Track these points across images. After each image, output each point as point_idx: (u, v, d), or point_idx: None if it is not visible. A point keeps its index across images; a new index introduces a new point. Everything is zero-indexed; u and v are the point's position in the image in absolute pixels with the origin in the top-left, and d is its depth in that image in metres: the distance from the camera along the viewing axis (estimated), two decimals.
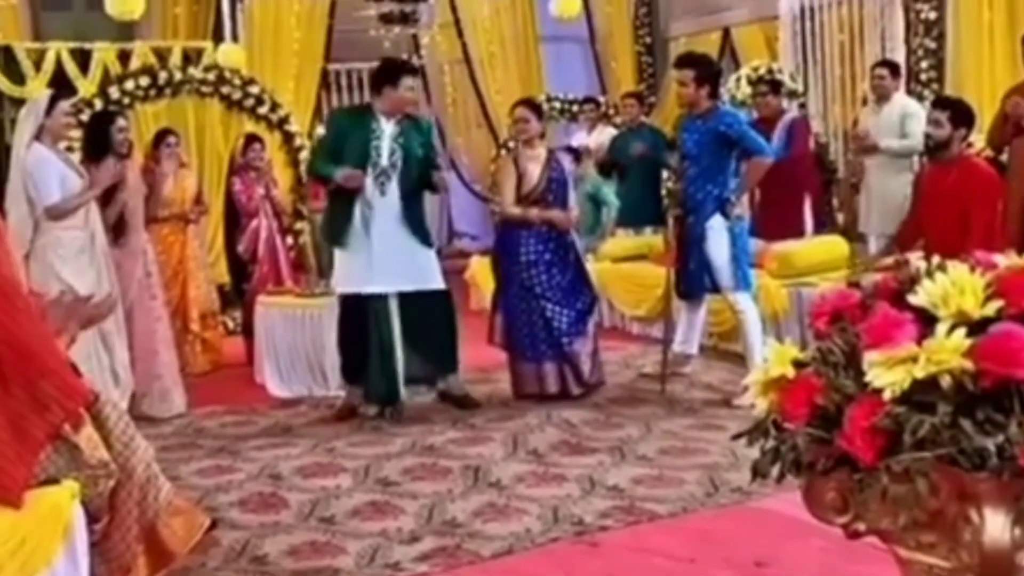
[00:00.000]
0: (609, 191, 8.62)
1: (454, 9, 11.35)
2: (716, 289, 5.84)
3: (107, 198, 5.79)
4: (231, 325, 8.07)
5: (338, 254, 5.65)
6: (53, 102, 5.40)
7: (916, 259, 1.81)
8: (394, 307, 5.61)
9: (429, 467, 4.78)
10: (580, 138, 9.83)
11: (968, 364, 1.56)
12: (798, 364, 1.79)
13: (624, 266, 8.07)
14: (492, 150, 11.16)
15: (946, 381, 1.57)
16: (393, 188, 5.50)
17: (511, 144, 6.37)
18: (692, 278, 5.86)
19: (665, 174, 9.23)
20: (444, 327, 5.75)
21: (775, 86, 7.83)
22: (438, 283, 5.67)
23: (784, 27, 9.55)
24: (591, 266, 8.16)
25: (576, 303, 5.87)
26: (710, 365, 6.45)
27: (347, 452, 5.10)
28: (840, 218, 8.95)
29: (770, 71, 8.66)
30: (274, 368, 6.47)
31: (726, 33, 10.73)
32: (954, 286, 1.63)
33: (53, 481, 3.09)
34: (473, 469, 4.69)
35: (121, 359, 5.69)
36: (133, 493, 3.37)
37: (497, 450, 4.98)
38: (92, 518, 3.19)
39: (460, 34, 11.41)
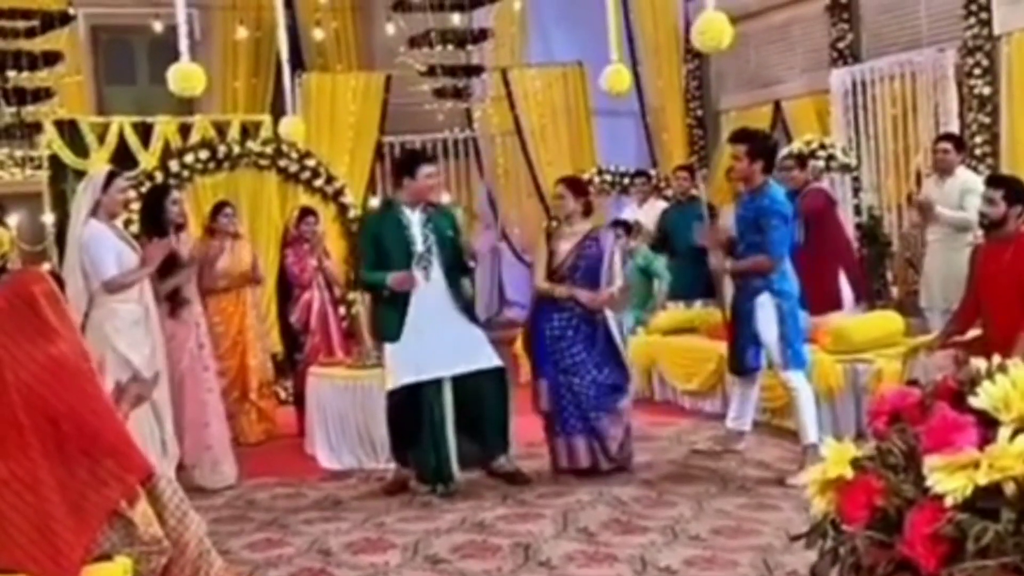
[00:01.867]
0: (660, 264, 8.61)
1: (507, 83, 11.51)
2: (768, 365, 5.80)
3: (164, 271, 5.89)
4: (283, 395, 8.12)
5: (389, 347, 5.64)
6: (110, 179, 5.49)
7: (975, 359, 1.78)
8: (447, 390, 5.62)
9: (479, 544, 4.75)
10: (631, 211, 9.85)
11: None
12: (856, 462, 1.77)
13: (675, 339, 8.03)
14: (543, 221, 11.21)
15: (1010, 488, 1.55)
16: (436, 271, 5.59)
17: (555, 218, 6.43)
18: (741, 354, 5.84)
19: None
20: (497, 406, 5.76)
21: (800, 159, 7.81)
22: (492, 360, 5.69)
23: (836, 101, 9.55)
24: (642, 339, 8.20)
25: (603, 379, 5.82)
26: (763, 442, 6.36)
27: (397, 527, 5.08)
28: (895, 292, 8.86)
29: (822, 145, 8.65)
30: (325, 439, 6.50)
31: (777, 106, 10.76)
32: (1016, 389, 1.61)
33: (107, 557, 3.12)
34: (523, 547, 4.65)
35: (169, 430, 5.74)
36: (185, 569, 3.39)
37: (547, 527, 4.93)
38: None
39: (512, 107, 11.55)
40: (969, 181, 6.93)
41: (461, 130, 12.77)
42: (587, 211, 6.10)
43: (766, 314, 5.60)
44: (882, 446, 1.74)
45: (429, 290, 5.56)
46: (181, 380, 5.93)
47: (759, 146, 5.68)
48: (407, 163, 5.71)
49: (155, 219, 6.03)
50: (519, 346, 9.11)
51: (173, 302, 5.99)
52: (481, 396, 5.67)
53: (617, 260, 6.19)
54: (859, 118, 9.44)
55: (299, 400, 7.19)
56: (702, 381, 7.46)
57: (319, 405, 6.58)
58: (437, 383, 5.59)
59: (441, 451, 5.62)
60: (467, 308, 5.69)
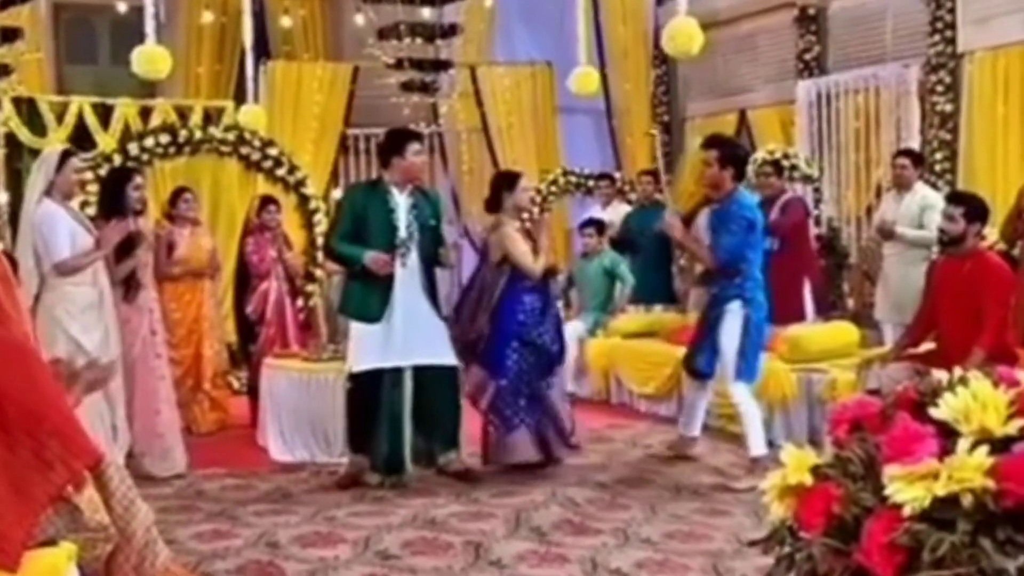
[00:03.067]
0: (625, 267, 8.62)
1: (474, 80, 11.47)
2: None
3: (121, 254, 5.80)
4: (236, 385, 8.04)
5: (357, 329, 5.60)
6: (64, 158, 5.40)
7: (936, 372, 1.79)
8: (408, 380, 5.61)
9: (430, 541, 4.72)
10: (595, 213, 9.86)
11: (990, 483, 1.54)
12: (816, 470, 1.77)
13: (634, 343, 8.05)
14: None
15: (967, 499, 1.55)
16: (413, 260, 5.55)
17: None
18: (696, 356, 5.84)
19: (678, 251, 9.28)
20: (450, 403, 5.74)
21: (778, 167, 7.91)
22: (451, 359, 5.67)
23: (800, 112, 9.63)
24: (601, 341, 8.22)
25: (556, 349, 5.94)
26: (717, 448, 6.39)
27: (348, 522, 5.04)
28: (851, 303, 8.94)
29: (786, 155, 8.71)
30: (277, 431, 6.43)
31: (742, 115, 10.82)
32: (976, 401, 1.62)
33: (51, 542, 3.06)
34: (475, 545, 4.63)
35: (120, 415, 5.66)
36: (131, 558, 3.34)
37: (499, 527, 4.92)
38: None
39: (479, 104, 11.52)
40: (929, 197, 7.01)
41: (427, 125, 12.69)
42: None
43: (732, 323, 5.57)
44: (842, 454, 1.74)
45: (404, 277, 5.52)
46: (132, 366, 5.85)
47: (730, 153, 5.68)
48: (395, 141, 5.59)
49: (114, 203, 5.94)
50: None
51: (128, 286, 5.91)
52: (436, 392, 5.66)
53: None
54: (822, 130, 9.53)
55: (253, 391, 7.14)
56: (659, 385, 7.48)
57: (273, 397, 6.52)
58: (398, 372, 5.57)
59: (396, 441, 5.61)
60: (436, 301, 5.65)
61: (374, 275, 5.47)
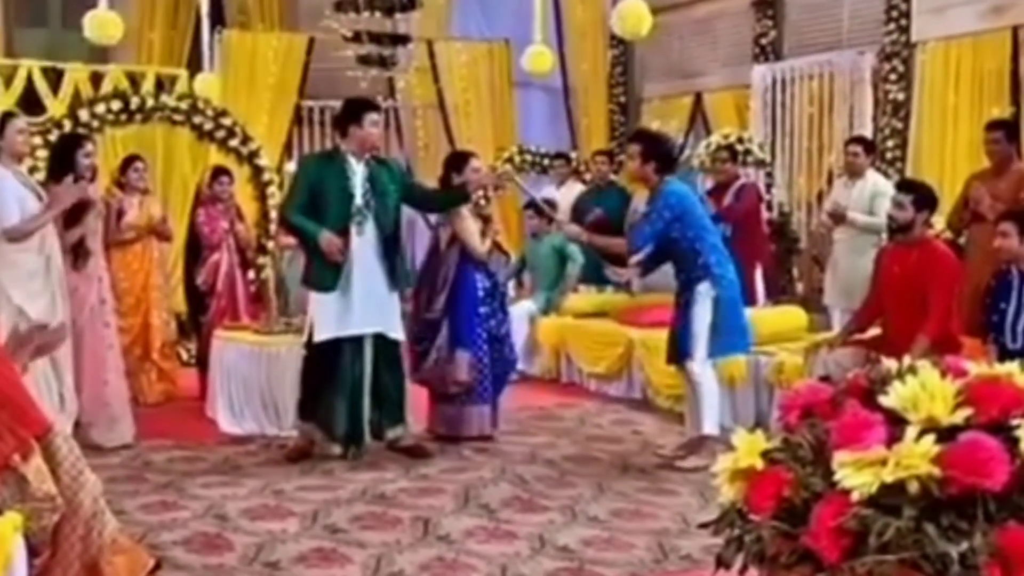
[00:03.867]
0: (576, 247, 8.63)
1: (432, 55, 11.41)
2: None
3: (71, 220, 5.71)
4: (185, 356, 7.97)
5: (317, 298, 5.58)
6: (4, 121, 5.30)
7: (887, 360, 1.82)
8: (368, 348, 5.61)
9: (379, 516, 4.72)
10: (549, 192, 9.87)
11: (936, 471, 1.58)
12: (767, 454, 1.80)
13: (585, 322, 8.08)
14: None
15: (913, 486, 1.58)
16: (370, 228, 5.52)
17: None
18: (680, 346, 5.74)
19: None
20: (397, 377, 5.76)
21: (733, 153, 7.98)
22: (399, 332, 5.71)
23: (755, 96, 9.70)
24: (552, 321, 8.24)
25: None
26: (665, 428, 6.45)
27: (296, 496, 5.02)
28: (800, 288, 9.05)
29: (740, 139, 8.78)
30: (227, 403, 6.39)
31: (698, 98, 10.88)
32: (925, 391, 1.65)
33: None
34: (423, 521, 4.64)
35: (68, 384, 5.59)
36: (78, 528, 3.31)
37: (448, 502, 4.93)
38: (33, 552, 3.13)
39: (435, 79, 11.46)
40: (879, 184, 7.10)
41: (384, 99, 12.60)
42: None
43: (702, 304, 5.52)
44: (792, 439, 1.77)
45: (361, 246, 5.50)
46: (80, 335, 5.77)
47: (652, 147, 5.67)
48: (353, 110, 5.57)
49: (64, 170, 5.80)
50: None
51: (76, 254, 5.81)
52: (386, 364, 5.67)
53: None
54: (776, 115, 9.61)
55: (202, 362, 7.08)
56: (609, 365, 7.53)
57: (223, 368, 6.47)
58: (358, 341, 5.57)
59: (357, 411, 5.61)
60: (393, 273, 5.63)
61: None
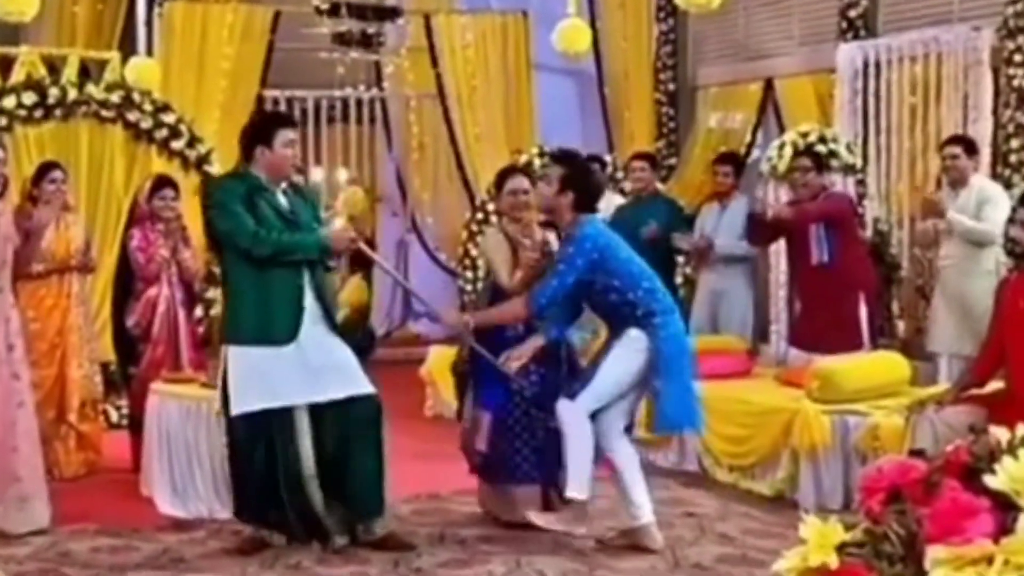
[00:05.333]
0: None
1: (429, 31, 11.50)
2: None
3: None
4: (114, 416, 8.00)
5: (238, 357, 5.48)
6: None
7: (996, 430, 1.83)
8: (304, 420, 5.51)
9: None
10: None
11: None
12: (843, 548, 1.80)
13: None
14: (466, 211, 11.24)
15: None
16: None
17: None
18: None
19: (681, 258, 9.35)
20: (368, 451, 5.58)
21: (818, 161, 7.94)
22: (365, 386, 5.58)
23: (842, 83, 9.70)
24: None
25: None
26: (728, 509, 6.44)
27: None
28: (901, 328, 9.02)
29: (823, 138, 8.78)
30: (167, 478, 6.40)
31: (769, 85, 10.90)
32: None
33: None
34: None
35: None
36: None
37: None
38: None
39: (434, 62, 11.55)
40: (987, 189, 7.12)
41: (367, 88, 12.73)
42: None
43: (626, 351, 5.60)
44: (876, 530, 1.77)
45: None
46: None
47: (577, 174, 5.73)
48: (263, 127, 5.63)
49: None
50: (430, 370, 9.16)
51: None
52: (347, 436, 5.53)
53: None
54: (869, 107, 9.60)
55: (135, 425, 7.09)
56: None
57: (161, 433, 6.48)
58: (289, 413, 5.48)
59: (303, 500, 5.52)
60: (331, 316, 5.63)
61: (281, 283, 5.43)
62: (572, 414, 5.57)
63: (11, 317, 6.08)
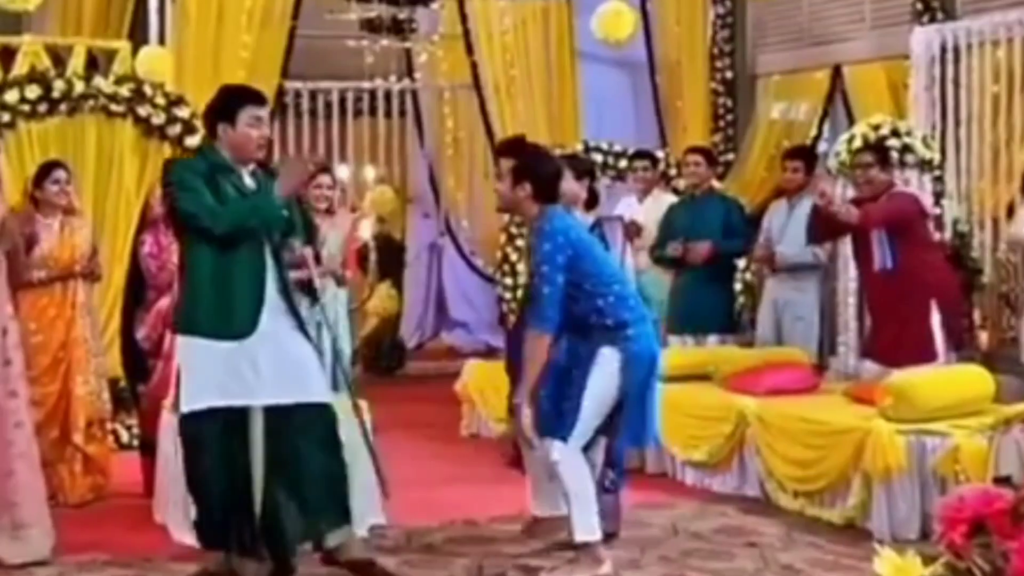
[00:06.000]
0: (652, 280, 8.59)
1: (464, 18, 11.50)
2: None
3: None
4: (124, 437, 8.04)
5: (193, 348, 5.44)
6: None
7: None
8: (258, 426, 5.44)
9: None
10: (628, 206, 9.87)
11: None
12: None
13: (678, 389, 7.98)
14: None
15: None
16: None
17: None
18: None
19: (742, 262, 9.31)
20: (326, 455, 5.53)
21: (882, 155, 7.87)
22: (321, 393, 5.54)
23: (917, 70, 9.64)
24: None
25: None
26: (792, 538, 6.39)
27: None
28: (984, 338, 8.95)
29: (896, 131, 8.72)
30: (182, 503, 6.40)
31: (836, 73, 10.85)
32: None
33: None
34: None
35: None
36: None
37: None
38: None
39: (470, 51, 11.55)
40: None
41: (398, 79, 12.77)
42: (591, 200, 6.53)
43: (603, 372, 5.64)
44: (959, 565, 1.74)
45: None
46: None
47: (529, 164, 5.77)
48: (226, 103, 5.53)
49: None
50: (466, 385, 9.17)
51: None
52: (302, 441, 5.46)
53: (630, 259, 6.66)
54: (947, 96, 9.54)
55: (147, 446, 7.12)
56: (713, 449, 7.47)
57: (175, 454, 6.50)
58: (242, 414, 5.42)
59: (242, 509, 5.43)
60: (296, 313, 5.57)
61: (241, 272, 5.39)
62: (565, 455, 5.62)
63: (9, 328, 6.08)
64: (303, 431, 5.45)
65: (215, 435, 5.39)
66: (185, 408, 5.41)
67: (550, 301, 5.60)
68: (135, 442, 7.76)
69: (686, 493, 7.55)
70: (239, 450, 5.42)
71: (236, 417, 5.40)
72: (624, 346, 5.64)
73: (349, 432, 6.36)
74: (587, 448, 5.86)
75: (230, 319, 5.37)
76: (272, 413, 5.41)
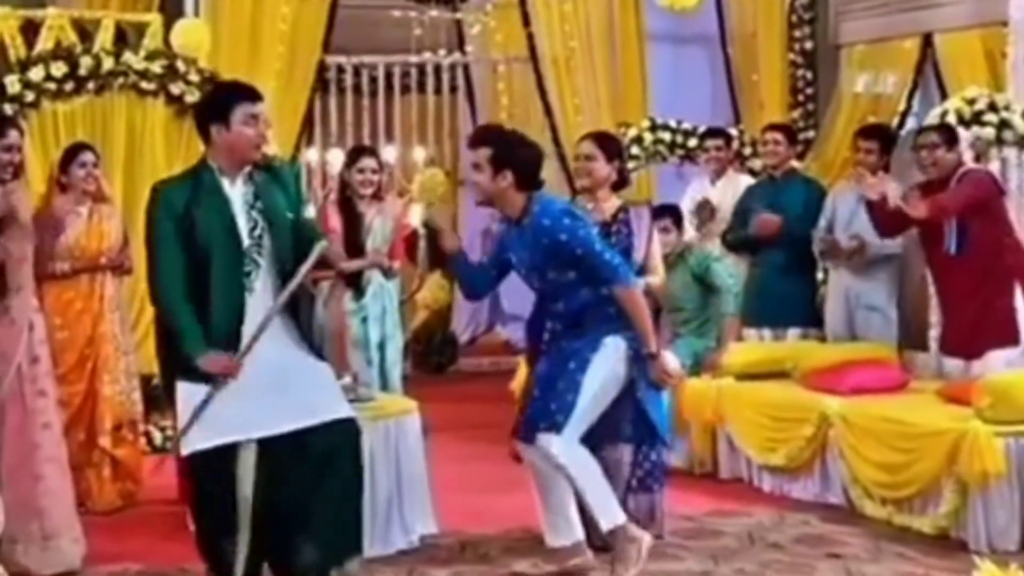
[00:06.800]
0: (723, 269, 8.52)
1: None
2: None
3: None
4: (158, 438, 8.07)
5: (187, 391, 5.33)
6: None
7: None
8: (248, 461, 5.31)
9: None
10: (700, 187, 9.82)
11: None
12: None
13: (754, 387, 7.99)
14: (565, 194, 11.20)
15: None
16: (264, 277, 5.34)
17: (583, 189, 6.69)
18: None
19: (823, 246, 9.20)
20: (343, 481, 5.41)
21: (948, 135, 7.78)
22: (341, 409, 5.44)
23: (1016, 38, 9.52)
24: (702, 384, 8.15)
25: None
26: (880, 549, 6.35)
27: None
28: None
29: (992, 106, 8.61)
30: None
31: (927, 42, 10.73)
32: None
33: None
34: None
35: None
36: None
37: None
38: None
39: (526, 22, 11.51)
40: None
41: (448, 52, 12.75)
42: (620, 182, 6.58)
43: (605, 361, 5.82)
44: None
45: (254, 306, 5.29)
46: (1, 410, 5.89)
47: (506, 150, 5.81)
48: (217, 102, 5.46)
49: None
50: (518, 383, 9.13)
51: None
52: (315, 468, 5.33)
53: (656, 248, 6.69)
54: None
55: None
56: (792, 453, 7.44)
57: None
58: (231, 450, 5.28)
59: (229, 542, 5.34)
60: (301, 330, 5.50)
61: (215, 306, 5.27)
62: (563, 447, 5.72)
63: (34, 323, 6.13)
64: (311, 456, 5.33)
65: (212, 473, 5.31)
66: (184, 449, 5.31)
67: (613, 257, 5.81)
68: (169, 444, 7.78)
69: (763, 500, 7.55)
70: (225, 479, 5.31)
71: (226, 453, 5.29)
72: (630, 335, 5.80)
73: (399, 435, 6.40)
74: (612, 446, 6.10)
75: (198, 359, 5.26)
76: (275, 443, 5.29)
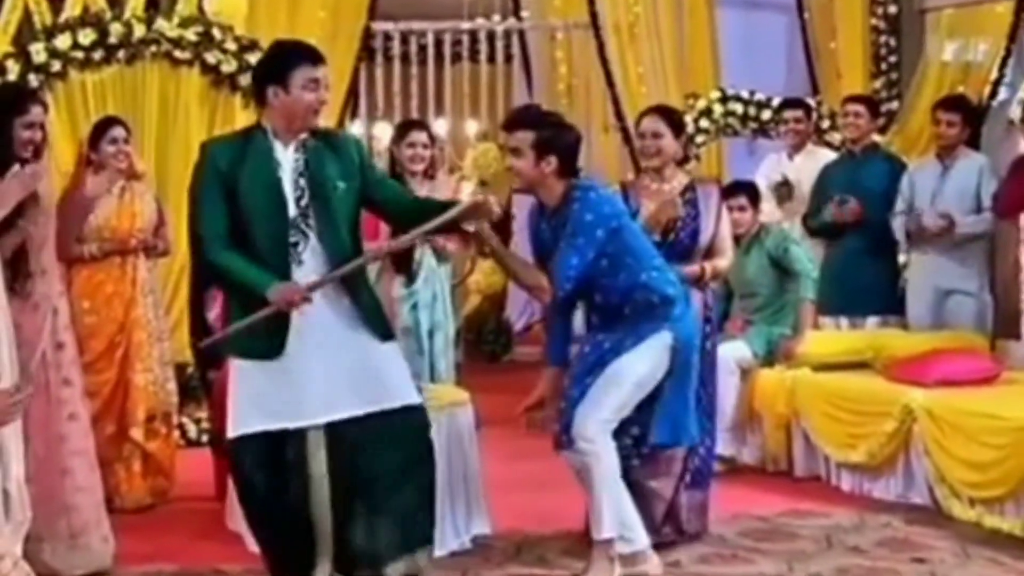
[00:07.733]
0: (801, 252, 8.46)
1: None
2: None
3: (3, 223, 5.83)
4: (192, 432, 8.10)
5: (240, 371, 5.43)
6: None
7: None
8: (319, 445, 5.41)
9: None
10: (776, 163, 9.77)
11: None
12: None
13: (832, 378, 7.95)
14: (628, 170, 11.16)
15: None
16: (313, 251, 5.35)
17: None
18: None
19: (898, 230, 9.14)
20: (414, 469, 5.48)
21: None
22: (406, 396, 5.48)
23: None
24: (776, 375, 8.13)
25: None
26: (969, 554, 6.31)
27: None
28: None
29: None
30: None
31: (1022, 5, 10.65)
32: None
33: None
34: None
35: (16, 476, 5.72)
36: None
37: None
38: None
39: None
40: None
41: (502, 18, 12.74)
42: (685, 158, 6.72)
43: (650, 355, 5.86)
44: None
45: (299, 278, 5.29)
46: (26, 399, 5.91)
47: (551, 134, 5.81)
48: (277, 63, 5.45)
49: None
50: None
51: (15, 272, 5.94)
52: (384, 453, 5.41)
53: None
54: None
55: (217, 442, 7.16)
56: (873, 449, 7.40)
57: None
58: (301, 435, 5.39)
59: (299, 536, 5.43)
60: (367, 311, 5.47)
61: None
62: (599, 435, 5.80)
63: (59, 308, 6.16)
64: (376, 445, 5.41)
65: (262, 462, 5.38)
66: (230, 434, 5.41)
67: (576, 271, 5.77)
68: (204, 437, 7.80)
69: (842, 500, 7.52)
70: (294, 475, 5.40)
71: (289, 439, 5.38)
72: (673, 326, 5.86)
73: (451, 428, 6.40)
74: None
75: (256, 340, 5.35)
76: (336, 429, 5.37)
